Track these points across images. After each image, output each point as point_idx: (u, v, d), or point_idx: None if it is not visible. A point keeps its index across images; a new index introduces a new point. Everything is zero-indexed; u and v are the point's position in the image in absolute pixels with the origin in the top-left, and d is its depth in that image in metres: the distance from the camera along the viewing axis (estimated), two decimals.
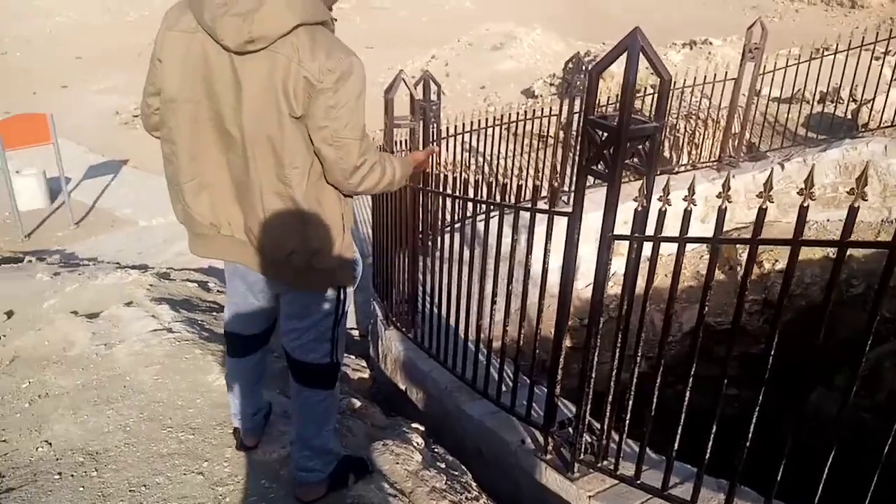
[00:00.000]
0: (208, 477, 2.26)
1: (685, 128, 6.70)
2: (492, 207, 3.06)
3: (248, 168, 1.70)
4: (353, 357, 4.35)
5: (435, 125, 5.13)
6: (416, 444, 2.57)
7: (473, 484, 2.50)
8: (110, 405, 2.68)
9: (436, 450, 2.72)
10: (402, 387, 3.75)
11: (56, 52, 19.07)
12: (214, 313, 3.75)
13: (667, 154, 6.78)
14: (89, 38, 19.95)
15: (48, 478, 2.29)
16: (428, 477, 2.33)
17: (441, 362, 3.37)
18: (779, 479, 1.98)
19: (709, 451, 2.13)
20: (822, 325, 1.84)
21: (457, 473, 2.53)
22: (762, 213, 1.86)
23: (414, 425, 2.82)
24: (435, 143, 3.03)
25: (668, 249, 2.17)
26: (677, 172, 6.28)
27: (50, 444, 2.47)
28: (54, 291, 4.15)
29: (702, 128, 6.67)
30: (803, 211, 1.77)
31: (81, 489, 2.23)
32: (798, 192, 1.75)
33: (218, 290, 4.43)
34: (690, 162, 6.52)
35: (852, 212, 1.70)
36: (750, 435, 2.02)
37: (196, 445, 2.41)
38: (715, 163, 6.33)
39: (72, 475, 2.30)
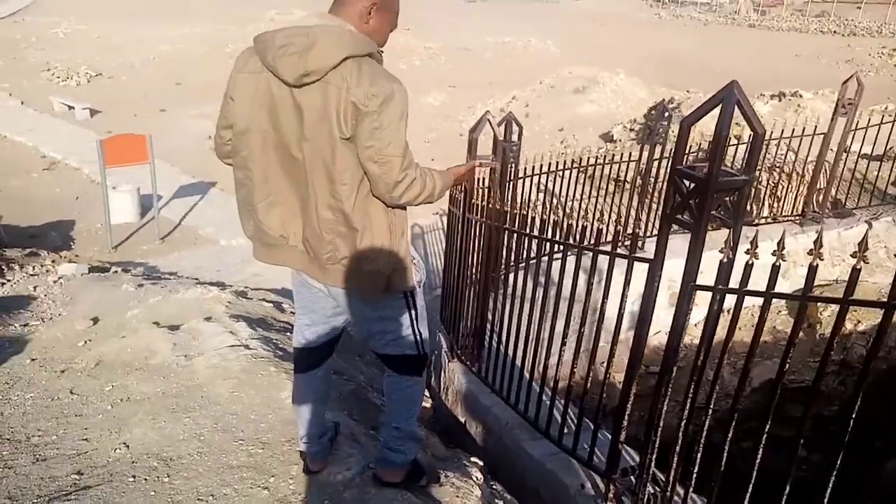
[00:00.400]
0: (273, 493, 2.31)
1: (768, 180, 6.52)
2: (569, 249, 3.07)
3: (307, 185, 1.93)
4: None
5: (514, 165, 5.19)
6: (475, 479, 2.56)
7: None
8: (187, 414, 2.80)
9: (494, 486, 2.70)
10: (463, 419, 3.75)
11: (158, 79, 20.27)
12: (288, 333, 3.85)
13: (748, 206, 6.60)
14: (189, 67, 21.11)
15: (123, 479, 2.40)
16: None
17: (504, 398, 3.36)
18: None
19: None
20: None
21: None
22: (856, 273, 1.81)
23: (473, 459, 2.81)
24: (477, 160, 3.15)
25: (745, 303, 2.13)
26: (757, 224, 6.10)
27: (128, 446, 2.59)
28: (138, 302, 4.37)
29: (785, 181, 6.48)
30: (855, 273, 1.72)
31: (153, 493, 2.32)
32: (852, 255, 1.70)
33: (291, 311, 4.56)
34: (772, 215, 6.33)
35: None
36: (826, 501, 1.93)
37: (265, 460, 2.48)
38: (798, 217, 6.12)
39: (145, 479, 2.40)
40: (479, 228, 3.72)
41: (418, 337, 2.23)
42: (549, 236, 3.02)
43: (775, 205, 6.51)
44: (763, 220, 6.26)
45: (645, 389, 3.51)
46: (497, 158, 3.90)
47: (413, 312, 2.19)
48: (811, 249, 1.87)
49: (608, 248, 2.63)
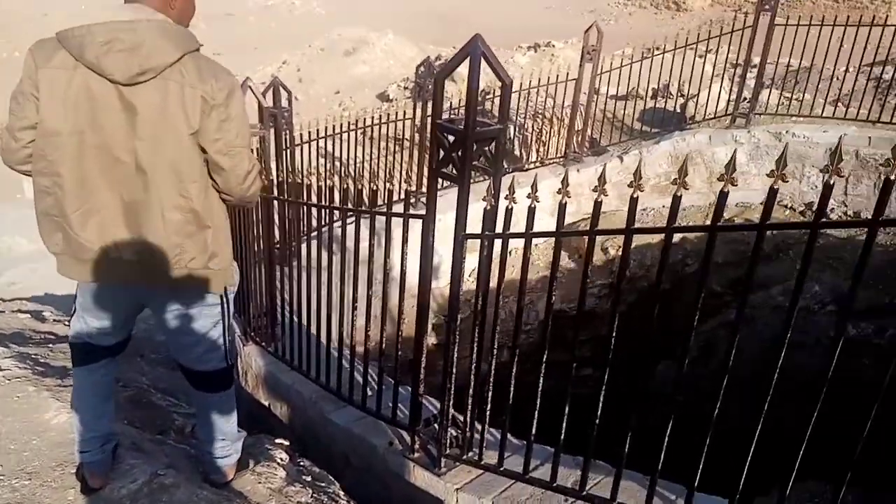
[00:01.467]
0: None
1: (532, 127, 7.00)
2: (349, 214, 3.04)
3: (146, 189, 1.84)
4: None
5: (287, 132, 5.02)
6: (279, 461, 2.50)
7: (341, 493, 2.46)
8: None
9: (301, 463, 2.65)
10: (266, 402, 3.63)
11: None
12: (50, 345, 3.43)
13: (517, 152, 7.05)
14: None
15: None
16: (292, 493, 2.27)
17: (304, 374, 3.30)
18: (626, 450, 2.10)
19: (563, 432, 2.23)
20: (655, 305, 2.00)
21: (323, 485, 2.49)
22: (598, 206, 1.99)
23: (278, 441, 2.73)
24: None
25: (520, 244, 2.26)
26: (527, 170, 6.55)
27: None
28: None
29: (548, 126, 7.00)
30: (633, 202, 1.91)
31: None
32: (628, 185, 1.89)
33: (55, 320, 4.07)
34: (539, 159, 6.82)
35: (675, 200, 1.85)
36: (599, 412, 2.13)
37: (33, 491, 2.18)
38: (561, 159, 6.66)
39: None
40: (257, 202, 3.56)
41: (226, 346, 2.22)
42: (327, 203, 2.97)
43: (542, 149, 7.01)
44: (533, 165, 6.73)
45: (445, 338, 3.64)
46: (265, 127, 3.74)
47: (226, 320, 2.19)
48: (559, 189, 2.02)
49: (389, 207, 2.65)
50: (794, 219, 6.22)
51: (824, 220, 1.63)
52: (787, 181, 1.65)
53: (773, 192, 1.67)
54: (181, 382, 3.64)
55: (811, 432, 1.74)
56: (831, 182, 1.54)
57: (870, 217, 1.52)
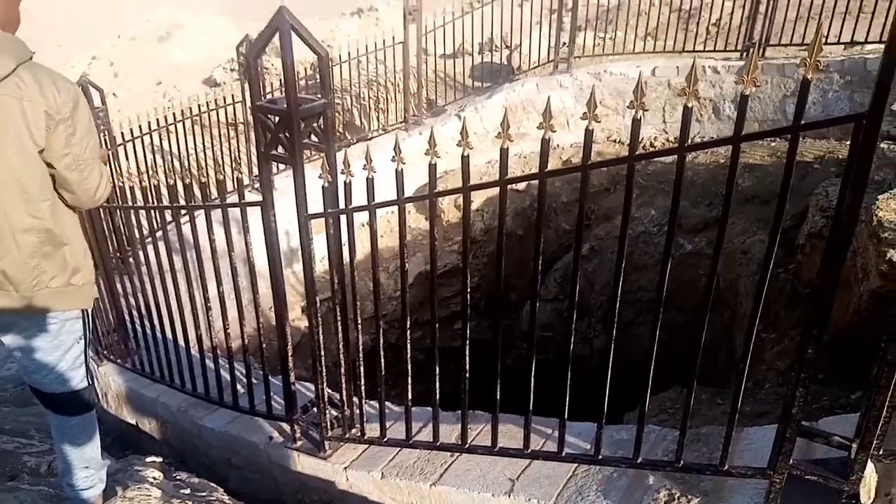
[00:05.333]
0: None
1: (369, 95, 6.95)
2: (181, 212, 2.89)
3: None
4: None
5: (106, 132, 4.68)
6: (152, 480, 2.37)
7: (225, 498, 2.39)
8: None
9: (178, 477, 2.54)
10: (133, 420, 3.42)
11: None
12: None
13: (358, 123, 6.99)
14: None
15: None
16: None
17: (168, 384, 3.14)
18: (498, 397, 2.19)
19: (437, 391, 2.28)
20: (500, 257, 2.08)
21: (204, 493, 2.40)
22: (433, 168, 2.02)
23: (149, 459, 2.60)
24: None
25: (383, 213, 2.20)
26: (371, 139, 6.51)
27: None
28: None
29: (384, 92, 6.97)
30: (465, 160, 1.96)
31: None
32: (457, 144, 1.93)
33: None
34: (381, 126, 6.80)
35: (503, 153, 1.92)
36: (467, 364, 2.20)
37: None
38: (402, 123, 6.68)
39: None
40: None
41: (87, 363, 2.13)
42: (156, 203, 2.80)
43: (382, 117, 6.99)
44: (376, 134, 6.70)
45: (307, 322, 3.58)
46: None
47: (87, 336, 2.09)
48: (393, 157, 2.02)
49: (231, 198, 2.54)
50: (623, 152, 6.64)
51: (639, 153, 1.76)
52: (600, 121, 1.75)
53: (588, 133, 1.77)
54: (32, 418, 3.37)
55: (665, 344, 1.89)
56: (638, 116, 1.67)
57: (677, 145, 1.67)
